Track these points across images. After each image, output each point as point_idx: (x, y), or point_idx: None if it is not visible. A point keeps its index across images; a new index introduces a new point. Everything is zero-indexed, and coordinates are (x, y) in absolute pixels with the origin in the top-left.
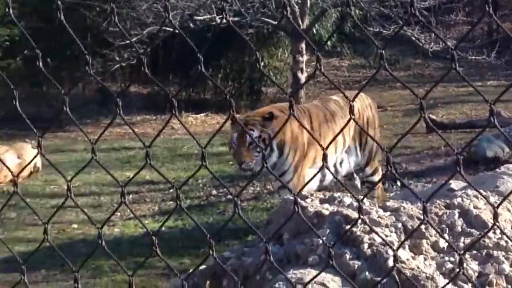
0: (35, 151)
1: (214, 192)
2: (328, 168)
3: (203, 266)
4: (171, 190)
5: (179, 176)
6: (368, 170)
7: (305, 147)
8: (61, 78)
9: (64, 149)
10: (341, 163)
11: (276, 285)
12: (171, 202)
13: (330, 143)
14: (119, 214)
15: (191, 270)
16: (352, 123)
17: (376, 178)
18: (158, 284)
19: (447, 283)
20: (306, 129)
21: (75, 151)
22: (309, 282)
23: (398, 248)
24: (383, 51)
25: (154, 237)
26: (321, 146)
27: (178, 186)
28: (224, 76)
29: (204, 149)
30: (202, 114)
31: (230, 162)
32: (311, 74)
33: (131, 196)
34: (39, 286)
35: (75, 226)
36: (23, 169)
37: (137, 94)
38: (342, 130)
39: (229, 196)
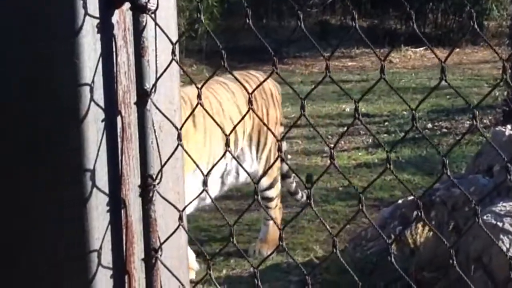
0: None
1: (429, 125)
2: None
3: (411, 197)
4: (386, 123)
5: (395, 110)
6: (265, 183)
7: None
8: (281, 11)
9: (281, 82)
10: (228, 173)
11: (485, 217)
12: (385, 134)
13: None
14: (332, 146)
15: (400, 201)
16: (248, 117)
17: (274, 192)
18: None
19: None
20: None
21: (293, 83)
22: None
23: None
24: None
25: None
26: None
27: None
28: (445, 9)
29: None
30: (421, 48)
31: (447, 96)
32: None
33: (345, 128)
34: (251, 213)
35: (289, 156)
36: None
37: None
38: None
39: (444, 130)
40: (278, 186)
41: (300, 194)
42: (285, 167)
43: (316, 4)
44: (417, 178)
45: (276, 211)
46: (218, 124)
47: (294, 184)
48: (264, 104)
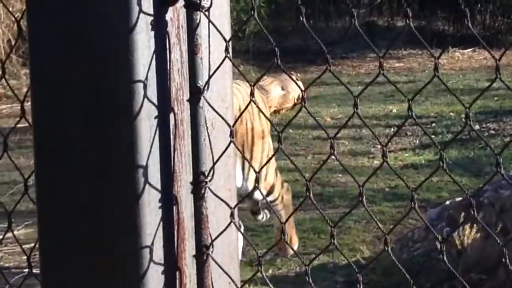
0: (300, 83)
1: (477, 127)
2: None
3: (459, 198)
4: (433, 124)
5: (442, 111)
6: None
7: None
8: (328, 11)
9: (328, 82)
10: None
11: None
12: (433, 136)
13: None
14: (379, 147)
15: (447, 202)
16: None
17: (275, 194)
18: (415, 216)
19: None
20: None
21: (339, 84)
22: None
23: None
24: None
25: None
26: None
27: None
28: (493, 10)
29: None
30: (469, 50)
31: (495, 98)
32: None
33: (392, 129)
34: (297, 213)
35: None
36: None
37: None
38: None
39: (492, 132)
40: (278, 185)
41: (261, 215)
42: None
43: (363, 5)
44: (465, 180)
45: (281, 205)
46: (272, 125)
47: (259, 205)
48: (249, 117)
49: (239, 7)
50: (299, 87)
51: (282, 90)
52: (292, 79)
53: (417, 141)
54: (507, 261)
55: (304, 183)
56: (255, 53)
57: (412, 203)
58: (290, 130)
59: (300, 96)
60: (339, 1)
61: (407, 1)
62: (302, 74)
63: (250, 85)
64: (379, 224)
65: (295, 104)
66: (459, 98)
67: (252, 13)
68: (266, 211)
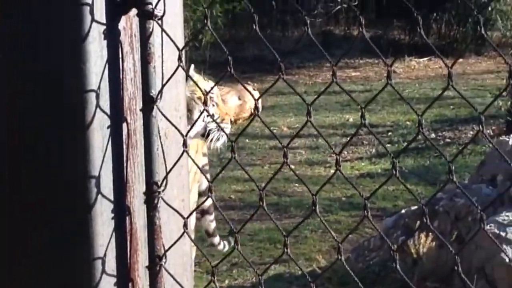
0: (256, 93)
1: (432, 135)
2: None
3: (414, 207)
4: (389, 133)
5: (398, 120)
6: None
7: None
8: (285, 21)
9: (285, 92)
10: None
11: (488, 227)
12: (389, 144)
13: None
14: (334, 156)
15: (403, 211)
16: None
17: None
18: (370, 225)
19: None
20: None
21: (296, 93)
22: None
23: None
24: None
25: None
26: None
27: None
28: (449, 19)
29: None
30: (425, 58)
31: (451, 106)
32: None
33: (348, 138)
34: (253, 223)
35: (292, 166)
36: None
37: (360, 37)
38: None
39: (448, 140)
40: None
41: (217, 238)
42: (208, 201)
43: (319, 14)
44: (420, 188)
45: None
46: None
47: (214, 224)
48: None
49: (195, 16)
50: (252, 96)
51: (239, 100)
52: (246, 89)
53: (373, 150)
54: (459, 269)
55: (259, 194)
56: (211, 63)
57: (366, 212)
58: (247, 140)
59: (256, 106)
60: (295, 11)
61: (363, 10)
62: (259, 83)
63: (203, 94)
64: (333, 233)
65: (251, 114)
66: (413, 107)
67: (206, 22)
68: (225, 242)
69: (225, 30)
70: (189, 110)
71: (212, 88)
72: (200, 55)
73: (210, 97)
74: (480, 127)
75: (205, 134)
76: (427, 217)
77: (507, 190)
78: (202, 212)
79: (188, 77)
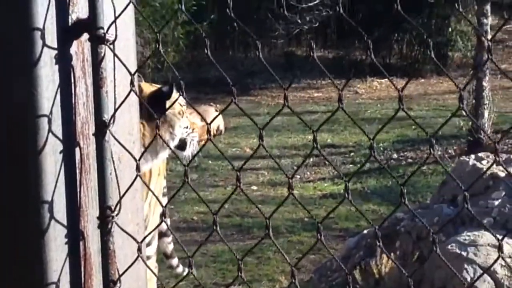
0: (219, 117)
1: (394, 155)
2: None
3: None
4: (351, 154)
5: (360, 140)
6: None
7: None
8: (247, 42)
9: (247, 113)
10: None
11: (449, 247)
12: (351, 165)
13: None
14: (298, 176)
15: (365, 231)
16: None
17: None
18: (333, 245)
19: None
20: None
21: (259, 114)
22: None
23: None
24: None
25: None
26: None
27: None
28: (410, 40)
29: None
30: (387, 79)
31: (413, 126)
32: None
33: (311, 159)
34: (216, 245)
35: (255, 187)
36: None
37: (322, 58)
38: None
39: (410, 160)
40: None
41: (175, 260)
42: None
43: (281, 36)
44: (383, 208)
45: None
46: None
47: (171, 246)
48: None
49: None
50: (204, 119)
51: (201, 122)
52: (199, 114)
53: (336, 171)
54: None
55: (222, 215)
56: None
57: (319, 235)
58: (210, 161)
59: (219, 128)
60: (257, 32)
61: (325, 31)
62: (222, 104)
63: (156, 118)
64: (286, 257)
65: (214, 136)
66: (363, 129)
67: (157, 45)
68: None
69: (187, 51)
70: (171, 126)
71: (175, 100)
72: (162, 76)
73: (182, 111)
74: (431, 150)
75: (182, 146)
76: (379, 240)
77: (463, 209)
78: (160, 234)
79: (141, 101)
